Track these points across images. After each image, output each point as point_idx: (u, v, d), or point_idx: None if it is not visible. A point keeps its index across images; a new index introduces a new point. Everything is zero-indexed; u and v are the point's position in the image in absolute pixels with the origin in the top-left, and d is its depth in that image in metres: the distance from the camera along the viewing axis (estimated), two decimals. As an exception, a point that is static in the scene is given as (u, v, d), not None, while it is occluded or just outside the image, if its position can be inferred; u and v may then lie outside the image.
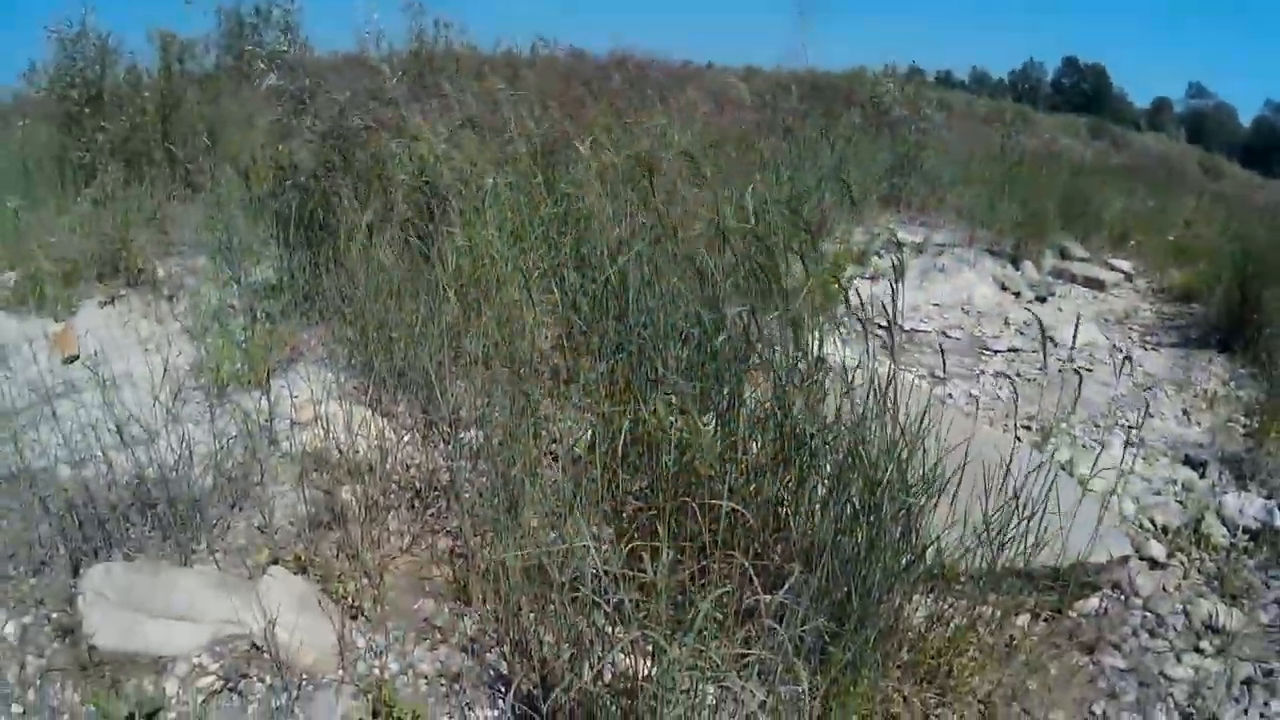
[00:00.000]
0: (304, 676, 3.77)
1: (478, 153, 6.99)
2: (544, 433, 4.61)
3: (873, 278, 9.54)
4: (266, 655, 3.78)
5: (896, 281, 4.05)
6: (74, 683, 3.92)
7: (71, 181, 9.93)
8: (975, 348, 8.89)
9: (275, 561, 4.28)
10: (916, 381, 7.03)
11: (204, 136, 10.13)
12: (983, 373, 8.24)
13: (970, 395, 7.55)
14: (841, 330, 4.84)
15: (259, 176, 8.22)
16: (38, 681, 3.99)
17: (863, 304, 4.02)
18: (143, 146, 10.15)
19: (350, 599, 4.09)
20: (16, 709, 3.93)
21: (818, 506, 3.80)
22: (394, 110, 7.54)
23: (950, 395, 7.48)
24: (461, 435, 4.72)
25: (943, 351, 6.99)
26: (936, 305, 10.01)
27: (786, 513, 3.84)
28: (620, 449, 4.11)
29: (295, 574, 4.13)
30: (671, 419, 3.98)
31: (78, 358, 6.41)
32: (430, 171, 6.68)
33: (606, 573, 3.13)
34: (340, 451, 4.76)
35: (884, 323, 4.13)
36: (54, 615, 4.24)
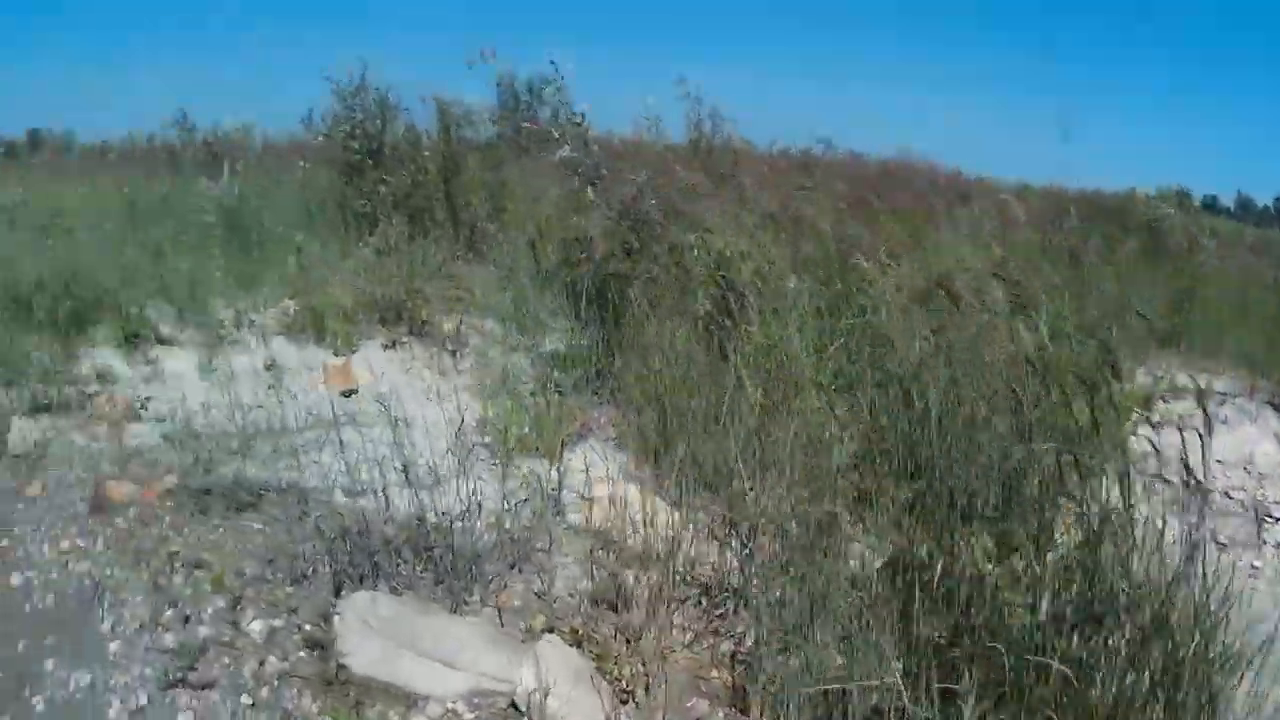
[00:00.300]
0: (557, 750, 3.78)
1: (775, 252, 7.10)
2: (843, 551, 4.64)
3: (1157, 424, 9.30)
4: (527, 719, 3.87)
5: (1203, 434, 3.99)
6: (314, 694, 4.14)
7: (353, 227, 10.55)
8: (1258, 513, 8.58)
9: (550, 630, 4.36)
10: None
11: (487, 202, 10.48)
12: (1264, 543, 7.94)
13: (1253, 566, 7.30)
14: (1141, 480, 4.79)
15: (545, 248, 8.50)
16: (274, 682, 4.25)
17: (1156, 453, 3.98)
18: (424, 204, 10.60)
19: (624, 683, 4.10)
20: (246, 700, 4.20)
21: (1118, 672, 3.64)
22: (689, 199, 7.69)
23: (1235, 563, 7.24)
24: (759, 539, 4.78)
25: (1259, 518, 6.77)
26: (1219, 462, 9.69)
27: (1087, 671, 3.76)
28: (921, 580, 4.11)
29: (570, 646, 4.18)
30: (983, 564, 3.95)
31: (355, 392, 6.81)
32: (728, 266, 6.81)
33: (904, 711, 3.14)
34: (631, 534, 4.87)
35: (1178, 477, 4.05)
36: (306, 626, 4.51)
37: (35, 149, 20.54)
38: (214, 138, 16.45)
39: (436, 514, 4.88)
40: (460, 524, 4.79)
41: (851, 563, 4.46)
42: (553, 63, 10.59)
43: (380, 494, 5.02)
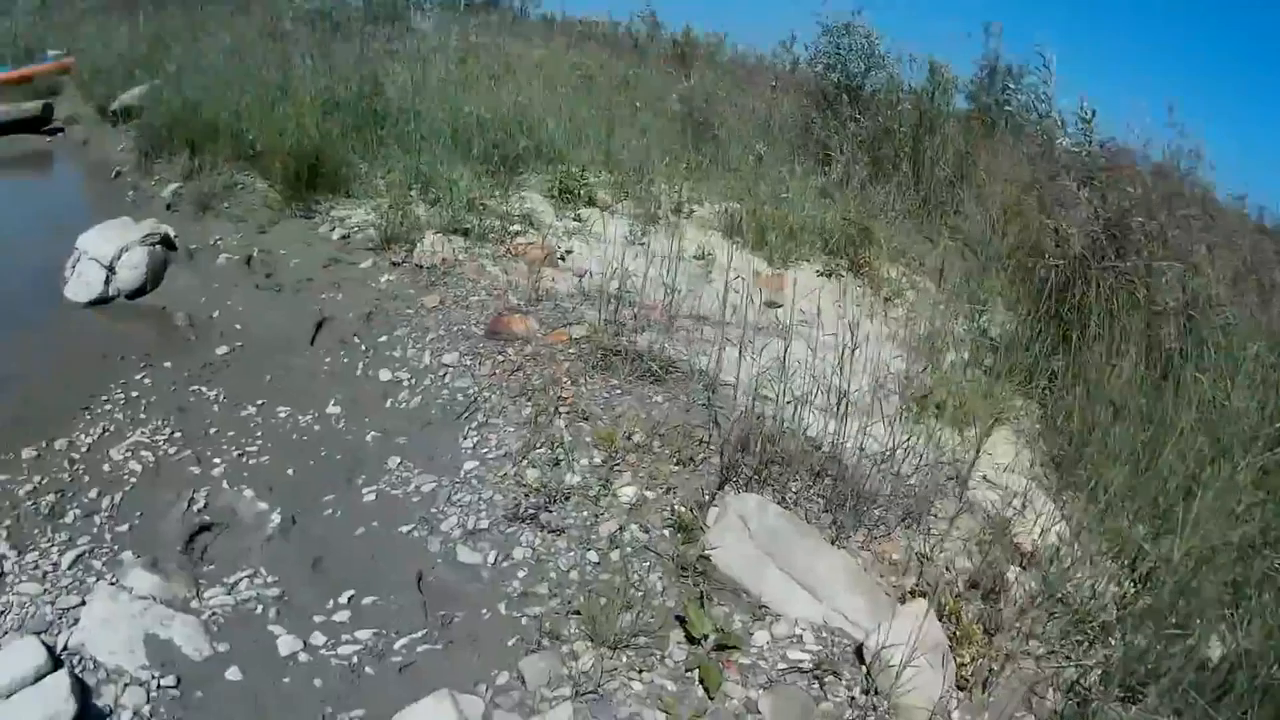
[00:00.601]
0: (890, 712, 3.82)
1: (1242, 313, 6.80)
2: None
3: None
4: (864, 671, 3.92)
5: None
6: (665, 573, 4.35)
7: (813, 154, 10.84)
8: None
9: (916, 594, 4.39)
10: None
11: (953, 168, 10.37)
12: None
13: None
14: None
15: (1004, 228, 8.34)
16: (628, 550, 4.49)
17: None
18: (890, 153, 10.59)
19: (969, 671, 4.08)
20: (592, 556, 4.49)
21: None
22: (1174, 228, 7.40)
23: None
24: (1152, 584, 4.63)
25: None
26: None
27: None
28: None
29: (937, 618, 4.14)
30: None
31: (780, 306, 6.99)
32: (1198, 308, 6.63)
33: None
34: (1024, 534, 4.87)
35: None
36: (679, 508, 4.69)
37: (493, 6, 21.49)
38: (684, 39, 16.82)
39: (855, 448, 4.98)
40: (871, 464, 4.89)
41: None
42: (1041, 55, 10.34)
43: (793, 409, 5.13)
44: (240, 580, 4.63)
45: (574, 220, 8.36)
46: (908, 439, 5.09)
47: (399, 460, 5.31)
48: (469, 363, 5.99)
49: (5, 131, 12.33)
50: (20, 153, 12.04)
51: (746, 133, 11.28)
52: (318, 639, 4.29)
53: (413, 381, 5.94)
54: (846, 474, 4.86)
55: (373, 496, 5.08)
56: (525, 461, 5.04)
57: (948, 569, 4.64)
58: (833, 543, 4.56)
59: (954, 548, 4.80)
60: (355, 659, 4.17)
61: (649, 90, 13.01)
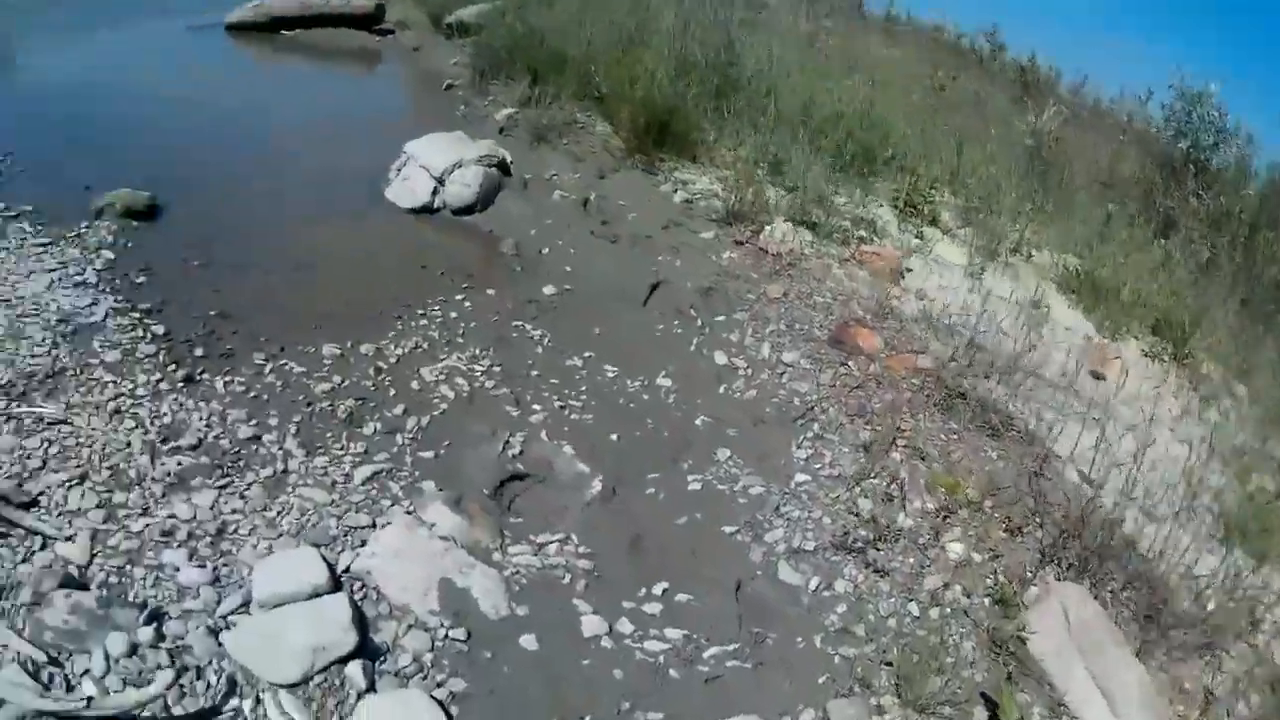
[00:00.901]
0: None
1: None
2: None
3: None
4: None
5: None
6: (978, 645, 4.38)
7: (1151, 220, 10.69)
8: None
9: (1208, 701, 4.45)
10: None
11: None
12: None
13: None
14: None
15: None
16: (948, 610, 4.52)
17: None
18: (1227, 238, 10.30)
19: None
20: (913, 608, 4.51)
21: None
22: None
23: None
24: None
25: None
26: None
27: None
28: None
29: None
30: None
31: (1104, 379, 7.00)
32: None
33: None
34: None
35: None
36: (1001, 577, 4.74)
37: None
38: (1029, 66, 16.47)
39: (1179, 563, 4.99)
40: (1192, 585, 4.95)
41: None
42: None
43: (1127, 505, 5.23)
44: (550, 543, 4.58)
45: (915, 238, 8.22)
46: (1238, 574, 5.05)
47: (729, 454, 5.28)
48: (809, 366, 5.97)
49: (337, 24, 12.58)
50: (350, 48, 12.43)
51: (1091, 184, 11.14)
52: (625, 627, 4.22)
53: (749, 372, 5.92)
54: (1164, 586, 4.85)
55: (698, 486, 5.04)
56: (859, 489, 4.92)
57: (1229, 713, 4.59)
58: (1137, 653, 4.54)
59: (1237, 688, 4.73)
60: (661, 658, 4.09)
61: (996, 114, 12.87)
